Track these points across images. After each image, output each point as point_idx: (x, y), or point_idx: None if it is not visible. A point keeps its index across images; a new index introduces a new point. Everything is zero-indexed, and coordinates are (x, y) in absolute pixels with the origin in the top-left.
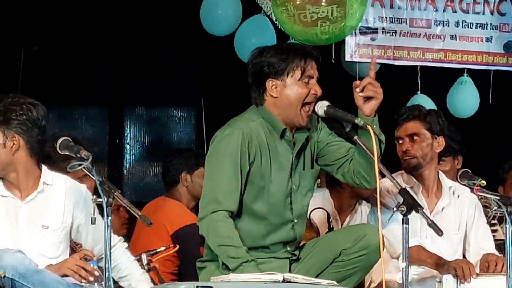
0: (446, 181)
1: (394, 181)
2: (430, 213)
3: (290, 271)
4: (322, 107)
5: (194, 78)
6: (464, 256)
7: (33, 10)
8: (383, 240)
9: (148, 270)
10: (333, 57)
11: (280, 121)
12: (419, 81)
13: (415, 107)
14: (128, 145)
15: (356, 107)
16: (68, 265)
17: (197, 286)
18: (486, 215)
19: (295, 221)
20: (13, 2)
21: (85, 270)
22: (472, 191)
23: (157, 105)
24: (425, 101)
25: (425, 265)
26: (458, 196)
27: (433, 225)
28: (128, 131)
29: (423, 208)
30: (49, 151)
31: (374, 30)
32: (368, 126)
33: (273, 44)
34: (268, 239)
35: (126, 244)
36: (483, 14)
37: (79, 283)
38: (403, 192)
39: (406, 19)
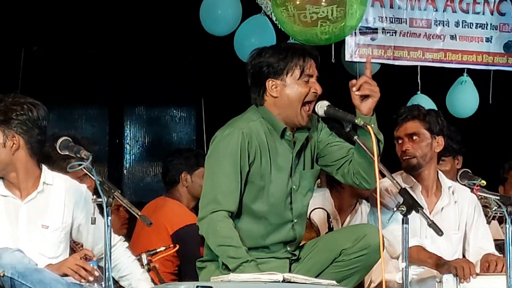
0: (445, 181)
1: (394, 181)
2: (430, 213)
3: (290, 271)
4: (322, 107)
5: (194, 78)
6: (464, 256)
7: (33, 10)
8: (383, 240)
9: (148, 270)
10: (333, 57)
11: (281, 121)
12: (419, 81)
13: (414, 107)
14: (128, 145)
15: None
16: (68, 264)
17: (197, 286)
18: (486, 215)
19: (295, 221)
20: (13, 2)
21: (85, 269)
22: (472, 191)
23: (157, 105)
24: (425, 101)
25: (425, 265)
26: (458, 196)
27: (433, 225)
28: (128, 131)
29: (423, 208)
30: (49, 151)
31: (374, 30)
32: (368, 126)
33: (272, 44)
34: (268, 239)
35: (126, 244)
36: (483, 14)
37: (79, 282)
38: (403, 192)
39: (406, 19)
